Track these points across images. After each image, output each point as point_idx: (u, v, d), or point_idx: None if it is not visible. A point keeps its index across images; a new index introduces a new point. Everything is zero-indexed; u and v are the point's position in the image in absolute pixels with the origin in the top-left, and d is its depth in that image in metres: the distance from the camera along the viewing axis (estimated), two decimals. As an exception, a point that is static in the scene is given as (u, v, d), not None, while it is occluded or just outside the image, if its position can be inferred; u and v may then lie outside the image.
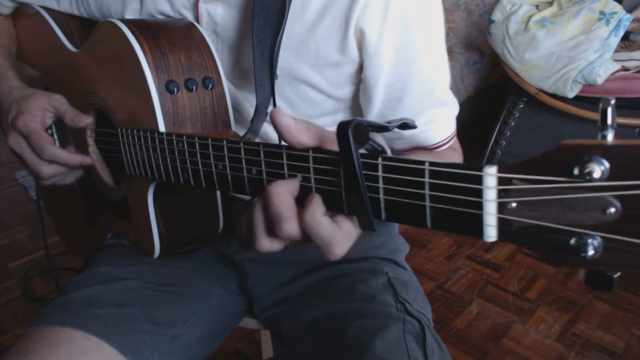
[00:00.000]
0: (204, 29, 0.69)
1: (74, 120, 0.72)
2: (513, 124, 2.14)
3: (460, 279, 1.78)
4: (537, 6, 2.00)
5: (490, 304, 1.66)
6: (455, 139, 0.76)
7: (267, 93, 0.66)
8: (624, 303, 1.64)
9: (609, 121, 0.32)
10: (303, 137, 0.43)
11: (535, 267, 1.82)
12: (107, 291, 0.69)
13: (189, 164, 0.57)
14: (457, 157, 0.77)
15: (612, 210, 0.30)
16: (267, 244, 0.47)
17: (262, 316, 0.80)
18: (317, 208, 0.43)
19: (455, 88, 2.32)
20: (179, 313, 0.71)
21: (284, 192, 0.44)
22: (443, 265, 1.86)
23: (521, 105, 2.12)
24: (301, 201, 0.44)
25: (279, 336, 0.75)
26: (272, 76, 0.65)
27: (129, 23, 0.65)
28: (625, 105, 1.84)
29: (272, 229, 0.45)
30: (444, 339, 0.66)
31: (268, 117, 0.73)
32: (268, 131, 0.73)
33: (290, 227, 0.44)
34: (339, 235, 0.44)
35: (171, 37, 0.65)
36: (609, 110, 0.32)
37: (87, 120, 0.73)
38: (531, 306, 1.65)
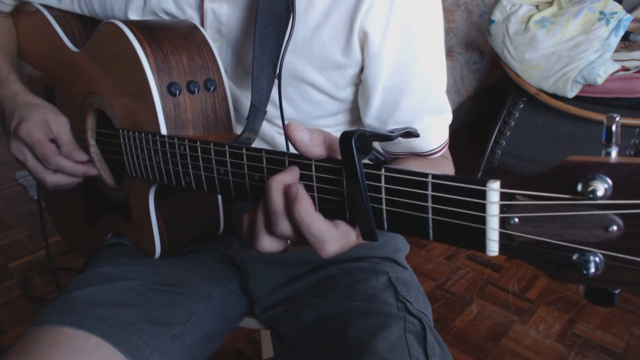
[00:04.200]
0: (208, 28, 0.69)
1: (71, 154, 0.73)
2: (513, 124, 2.13)
3: (460, 279, 1.78)
4: (537, 6, 2.00)
5: (490, 304, 1.66)
6: (447, 147, 0.76)
7: (264, 91, 0.66)
8: (624, 303, 1.64)
9: (614, 138, 0.32)
10: (317, 150, 0.44)
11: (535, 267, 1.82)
12: (107, 291, 0.69)
13: (190, 167, 0.57)
14: (450, 166, 0.77)
15: (615, 228, 0.30)
16: (267, 243, 0.47)
17: (263, 316, 0.80)
18: (307, 203, 0.43)
19: (455, 88, 2.32)
20: (179, 313, 0.71)
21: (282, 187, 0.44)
22: (443, 265, 1.86)
23: (521, 105, 2.12)
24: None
25: (279, 336, 0.75)
26: (273, 76, 0.65)
27: (130, 24, 0.65)
28: (625, 105, 1.83)
29: (271, 227, 0.46)
30: (444, 339, 0.67)
31: (270, 119, 0.73)
32: (265, 130, 0.73)
33: (286, 225, 0.45)
34: (333, 232, 0.44)
35: (173, 38, 0.65)
36: (614, 127, 0.32)
37: (82, 157, 0.74)
38: (531, 306, 1.65)
